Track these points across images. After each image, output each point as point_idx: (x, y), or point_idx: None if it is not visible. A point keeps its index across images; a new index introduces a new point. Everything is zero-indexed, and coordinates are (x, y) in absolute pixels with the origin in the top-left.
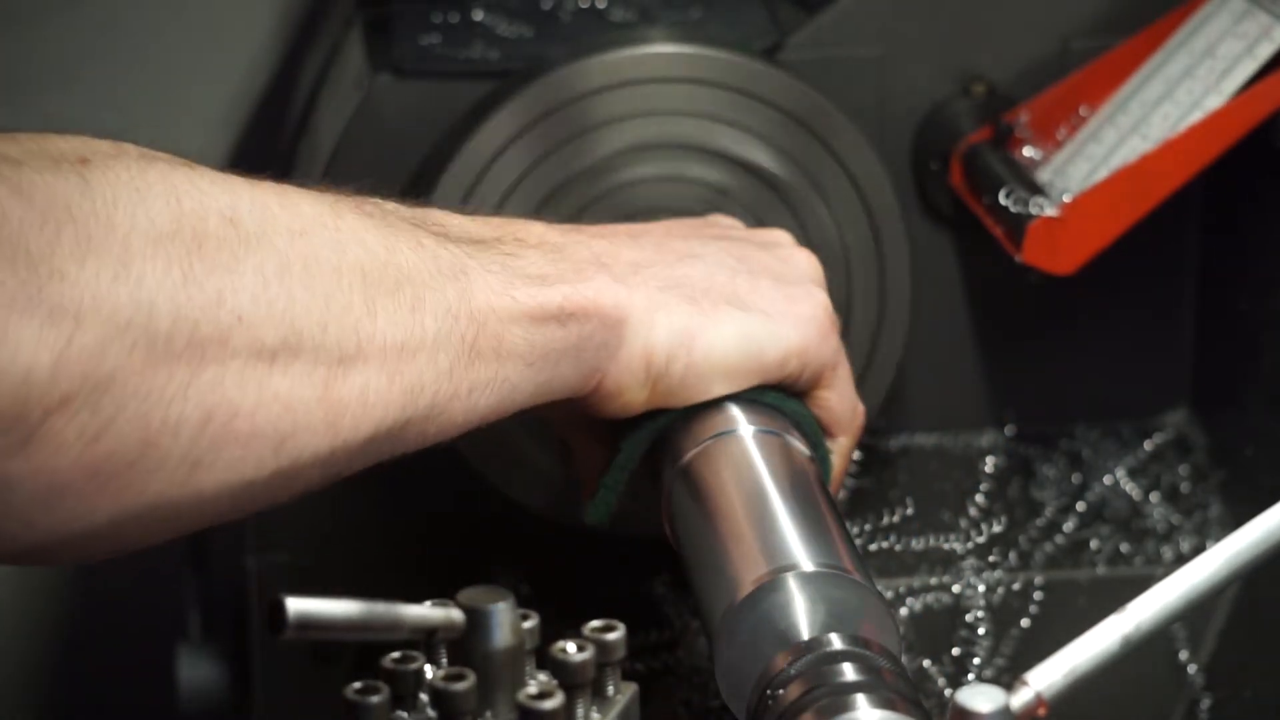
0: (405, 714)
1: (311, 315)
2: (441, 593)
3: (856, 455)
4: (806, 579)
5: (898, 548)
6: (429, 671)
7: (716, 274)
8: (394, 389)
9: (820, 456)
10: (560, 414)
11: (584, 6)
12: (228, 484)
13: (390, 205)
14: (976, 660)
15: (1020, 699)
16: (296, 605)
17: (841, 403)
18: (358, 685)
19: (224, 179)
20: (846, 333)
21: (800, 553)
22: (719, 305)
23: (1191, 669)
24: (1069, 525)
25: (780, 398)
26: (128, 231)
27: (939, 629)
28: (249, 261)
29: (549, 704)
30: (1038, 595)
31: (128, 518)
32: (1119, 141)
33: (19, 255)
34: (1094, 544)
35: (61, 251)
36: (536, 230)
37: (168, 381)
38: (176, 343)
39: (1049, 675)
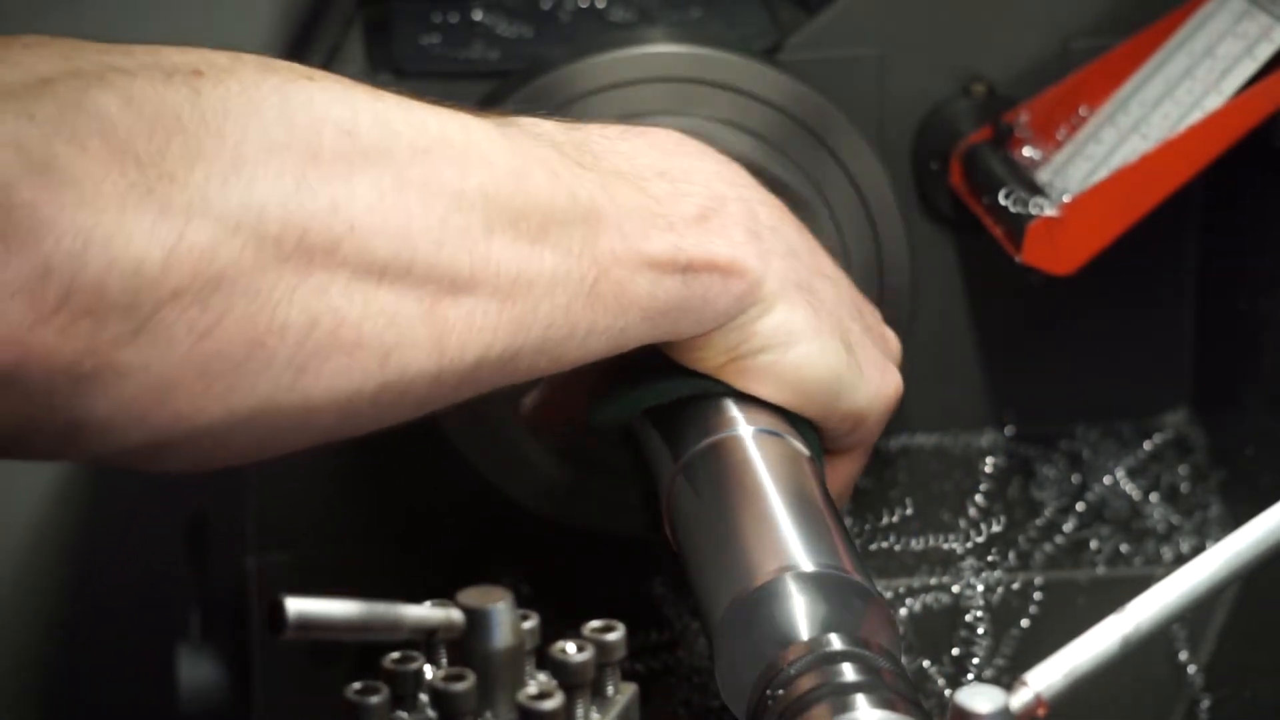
0: (405, 714)
1: (428, 234)
2: (441, 593)
3: None
4: (806, 579)
5: (898, 548)
6: (429, 671)
7: (841, 306)
8: (504, 317)
9: None
10: None
11: (584, 6)
12: (333, 393)
13: (543, 127)
14: (976, 660)
15: (1020, 699)
16: (296, 605)
17: (845, 478)
18: (358, 685)
19: (345, 91)
20: None
21: (800, 553)
22: (833, 332)
23: (1191, 669)
24: (1069, 525)
25: (816, 442)
26: (239, 141)
27: (939, 629)
28: (365, 174)
29: (549, 704)
30: (1038, 595)
31: (236, 420)
32: (1119, 141)
33: (128, 160)
34: (1094, 544)
35: (171, 157)
36: (704, 172)
37: (275, 284)
38: (286, 246)
39: (1049, 675)
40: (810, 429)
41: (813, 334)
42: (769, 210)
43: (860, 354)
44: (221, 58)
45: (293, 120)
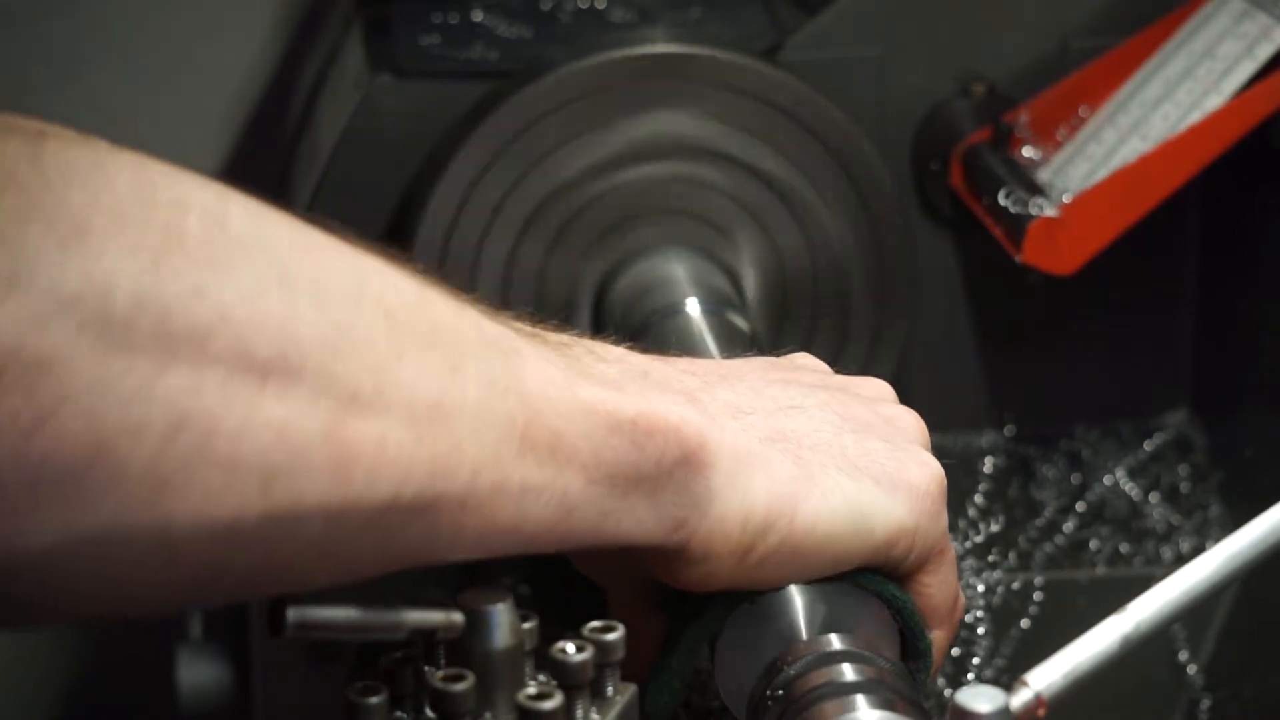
0: (405, 714)
1: (319, 337)
2: (441, 593)
3: None
4: None
5: None
6: (429, 672)
7: (821, 430)
8: (422, 450)
9: (923, 649)
10: (611, 570)
11: (584, 7)
12: (205, 519)
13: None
14: (976, 660)
15: (1020, 699)
16: (297, 606)
17: (943, 591)
18: (358, 685)
19: (212, 182)
20: (846, 333)
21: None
22: (826, 468)
23: (1191, 669)
24: (1069, 525)
25: (876, 580)
26: (85, 206)
27: None
28: (241, 266)
29: (548, 705)
30: (1038, 595)
31: (79, 544)
32: (1119, 141)
33: None
34: (1094, 544)
35: None
36: (616, 349)
37: (126, 375)
38: (139, 331)
39: (1049, 675)
40: (869, 576)
41: (807, 484)
42: (695, 378)
43: (869, 467)
44: (69, 130)
45: (153, 197)
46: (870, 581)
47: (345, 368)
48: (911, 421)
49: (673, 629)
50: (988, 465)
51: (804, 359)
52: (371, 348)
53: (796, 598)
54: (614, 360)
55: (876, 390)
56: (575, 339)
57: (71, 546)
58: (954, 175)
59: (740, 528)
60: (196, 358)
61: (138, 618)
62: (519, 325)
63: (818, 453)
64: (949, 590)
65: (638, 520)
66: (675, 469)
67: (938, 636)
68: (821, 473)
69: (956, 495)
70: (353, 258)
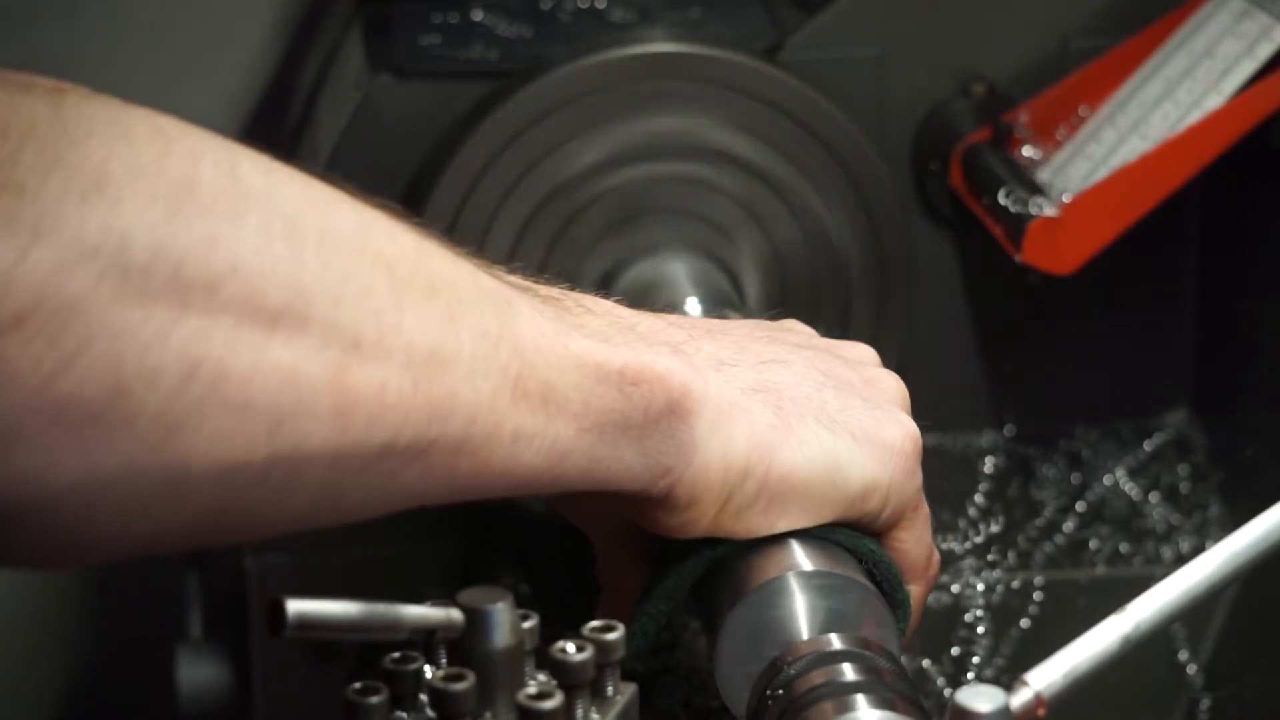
0: (405, 714)
1: (324, 287)
2: (441, 593)
3: None
4: (807, 579)
5: None
6: (429, 671)
7: (803, 384)
8: (419, 396)
9: (901, 600)
10: (598, 520)
11: (584, 6)
12: (212, 462)
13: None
14: (976, 660)
15: (1020, 699)
16: (296, 606)
17: (918, 547)
18: (358, 685)
19: (222, 138)
20: (846, 333)
21: (801, 554)
22: (805, 419)
23: (1191, 669)
24: (1069, 525)
25: (853, 535)
26: (103, 159)
27: (939, 629)
28: (251, 217)
29: (548, 704)
30: (1038, 595)
31: (96, 484)
32: (1119, 141)
33: None
34: (1094, 544)
35: (21, 166)
36: (605, 303)
37: (143, 322)
38: (155, 279)
39: (1049, 675)
40: (845, 532)
41: (785, 433)
42: (681, 331)
43: (847, 422)
44: (84, 88)
45: (168, 146)
46: (846, 537)
47: (348, 316)
48: (892, 383)
49: (652, 577)
50: (988, 465)
51: (792, 323)
52: (372, 297)
53: (797, 596)
54: (603, 313)
55: (860, 354)
56: (566, 292)
57: (90, 486)
58: (954, 175)
59: (722, 475)
60: (208, 306)
61: (151, 554)
62: (513, 279)
63: (798, 404)
64: (923, 547)
65: (626, 467)
66: (661, 417)
67: (914, 591)
68: (800, 423)
69: (956, 495)
70: (355, 210)
